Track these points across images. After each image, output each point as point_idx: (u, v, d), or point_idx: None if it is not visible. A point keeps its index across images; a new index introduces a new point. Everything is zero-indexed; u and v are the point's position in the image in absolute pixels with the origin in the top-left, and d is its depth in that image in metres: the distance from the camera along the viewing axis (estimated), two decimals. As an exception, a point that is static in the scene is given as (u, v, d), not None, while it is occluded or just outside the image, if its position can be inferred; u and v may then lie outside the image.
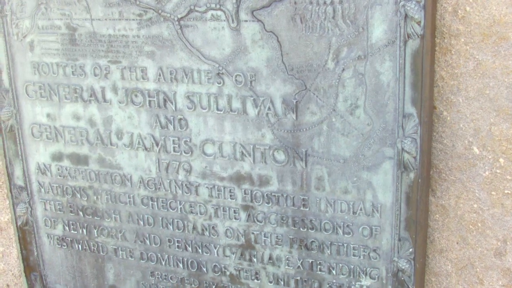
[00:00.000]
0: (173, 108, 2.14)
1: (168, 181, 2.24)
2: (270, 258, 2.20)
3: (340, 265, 2.10)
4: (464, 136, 1.93)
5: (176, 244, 2.33)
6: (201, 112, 2.10)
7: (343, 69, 1.88)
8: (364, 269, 2.07)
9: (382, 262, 2.04)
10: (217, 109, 2.08)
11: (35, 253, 2.60)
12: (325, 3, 1.84)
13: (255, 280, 2.25)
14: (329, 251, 2.10)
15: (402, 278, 2.02)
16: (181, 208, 2.27)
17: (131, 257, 2.43)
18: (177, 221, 2.29)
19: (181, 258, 2.34)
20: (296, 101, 1.96)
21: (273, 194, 2.11)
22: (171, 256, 2.35)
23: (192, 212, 2.25)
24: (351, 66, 1.87)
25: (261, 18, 1.92)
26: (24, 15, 2.24)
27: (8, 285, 2.81)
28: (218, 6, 1.96)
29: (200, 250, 2.29)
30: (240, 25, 1.95)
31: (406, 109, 1.84)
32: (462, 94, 1.90)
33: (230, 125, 2.08)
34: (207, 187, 2.19)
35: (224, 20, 1.97)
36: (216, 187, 2.18)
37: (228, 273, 2.28)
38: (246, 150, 2.08)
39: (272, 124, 2.02)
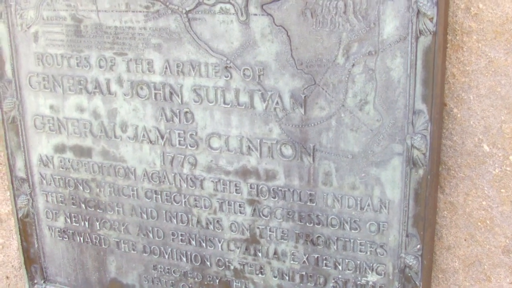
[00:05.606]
0: (179, 101, 2.12)
1: (173, 174, 2.23)
2: (275, 252, 2.19)
3: (346, 260, 2.09)
4: (474, 134, 1.92)
5: (180, 237, 2.31)
6: (208, 106, 2.09)
7: (353, 65, 1.86)
8: (371, 265, 2.07)
9: (389, 258, 2.03)
10: (224, 103, 2.06)
11: (36, 245, 2.58)
12: (336, -2, 1.83)
13: (260, 275, 2.24)
14: (335, 247, 2.09)
15: (409, 274, 2.01)
16: (185, 201, 2.25)
17: (134, 250, 2.42)
18: (181, 215, 2.28)
19: (184, 252, 2.33)
20: (305, 96, 1.95)
21: (279, 188, 2.09)
22: (174, 250, 2.34)
23: (196, 206, 2.24)
24: (361, 61, 1.85)
25: (271, 12, 1.90)
26: (29, 6, 2.21)
27: (7, 277, 2.80)
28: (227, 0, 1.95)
29: (204, 244, 2.28)
30: (249, 18, 1.94)
31: (417, 106, 1.83)
32: (473, 91, 1.89)
33: (237, 119, 2.07)
34: (212, 181, 2.18)
35: (233, 14, 1.95)
36: (221, 181, 2.17)
37: (232, 267, 2.28)
38: (253, 145, 2.07)
39: (280, 118, 2.00)
